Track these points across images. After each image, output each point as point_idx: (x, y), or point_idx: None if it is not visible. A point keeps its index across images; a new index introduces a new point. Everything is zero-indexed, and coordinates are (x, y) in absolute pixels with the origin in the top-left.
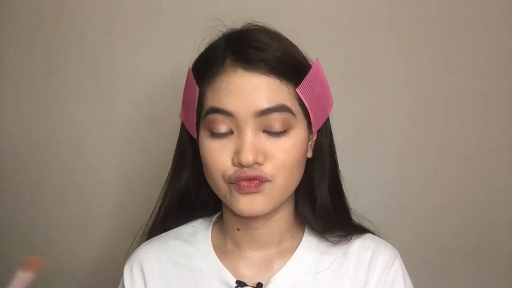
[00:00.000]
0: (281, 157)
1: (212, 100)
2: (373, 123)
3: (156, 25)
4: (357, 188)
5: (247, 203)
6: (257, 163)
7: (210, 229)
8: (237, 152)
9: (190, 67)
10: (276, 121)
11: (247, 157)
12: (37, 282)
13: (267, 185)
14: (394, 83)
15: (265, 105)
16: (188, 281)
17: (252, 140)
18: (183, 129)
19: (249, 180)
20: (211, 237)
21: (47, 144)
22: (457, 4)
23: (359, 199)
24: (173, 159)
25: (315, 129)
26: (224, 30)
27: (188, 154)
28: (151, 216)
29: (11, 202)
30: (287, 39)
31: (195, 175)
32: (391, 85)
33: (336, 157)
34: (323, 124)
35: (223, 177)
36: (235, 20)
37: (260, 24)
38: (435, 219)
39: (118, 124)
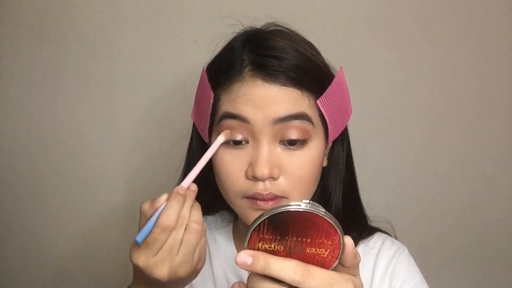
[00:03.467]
0: (297, 172)
1: (227, 106)
2: (373, 123)
3: (158, 24)
4: None
5: None
6: (272, 177)
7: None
8: (252, 164)
9: (205, 68)
10: (294, 129)
11: (263, 170)
12: (37, 282)
13: (283, 201)
14: (394, 83)
15: (284, 112)
16: None
17: (268, 152)
18: (195, 132)
19: (265, 200)
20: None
21: (47, 144)
22: (457, 4)
23: None
24: (185, 160)
25: (331, 139)
26: (228, 29)
27: (198, 158)
28: None
29: (11, 202)
30: (309, 45)
31: (202, 179)
32: (391, 85)
33: (353, 166)
34: (340, 133)
35: (236, 192)
36: (256, 18)
37: (281, 25)
38: (435, 219)
39: (119, 124)
